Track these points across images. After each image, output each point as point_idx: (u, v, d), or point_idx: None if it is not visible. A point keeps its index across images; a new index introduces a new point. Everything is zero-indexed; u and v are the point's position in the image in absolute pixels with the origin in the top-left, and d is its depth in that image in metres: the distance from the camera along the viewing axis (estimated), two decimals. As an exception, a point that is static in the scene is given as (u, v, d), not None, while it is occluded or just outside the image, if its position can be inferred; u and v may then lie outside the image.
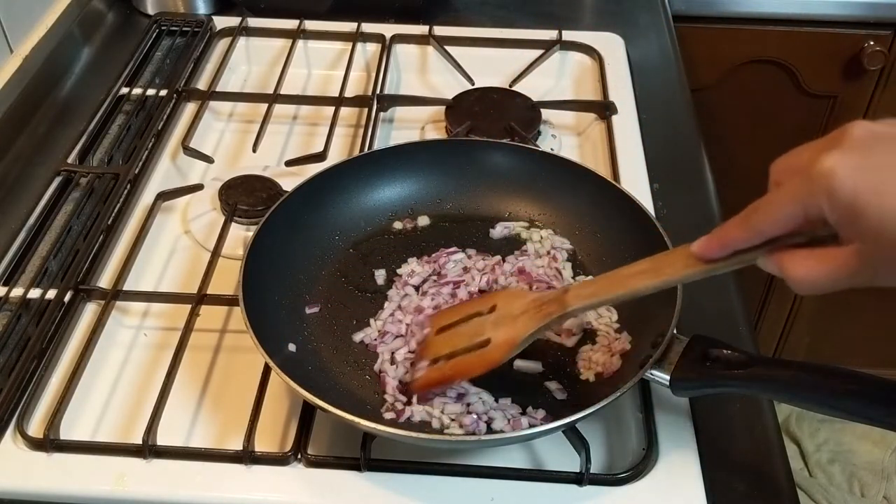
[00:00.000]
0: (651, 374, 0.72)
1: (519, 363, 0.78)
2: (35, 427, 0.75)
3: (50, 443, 0.73)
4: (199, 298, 0.86)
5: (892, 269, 0.51)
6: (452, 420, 0.74)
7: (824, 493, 1.73)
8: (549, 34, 1.23)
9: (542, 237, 0.91)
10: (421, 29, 1.25)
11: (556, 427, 0.69)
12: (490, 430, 0.73)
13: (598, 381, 0.78)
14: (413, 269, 0.88)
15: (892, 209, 0.48)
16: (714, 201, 1.02)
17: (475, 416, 0.74)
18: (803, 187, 0.52)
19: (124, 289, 0.87)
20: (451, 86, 1.18)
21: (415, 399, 0.75)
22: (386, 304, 0.84)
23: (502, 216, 0.93)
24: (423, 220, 0.93)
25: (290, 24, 1.25)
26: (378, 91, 1.13)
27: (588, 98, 1.17)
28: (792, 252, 0.55)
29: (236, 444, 0.73)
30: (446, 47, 1.21)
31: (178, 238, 0.98)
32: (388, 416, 0.75)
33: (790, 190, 0.53)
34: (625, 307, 0.82)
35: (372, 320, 0.83)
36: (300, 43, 1.24)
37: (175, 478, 0.72)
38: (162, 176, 1.02)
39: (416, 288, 0.86)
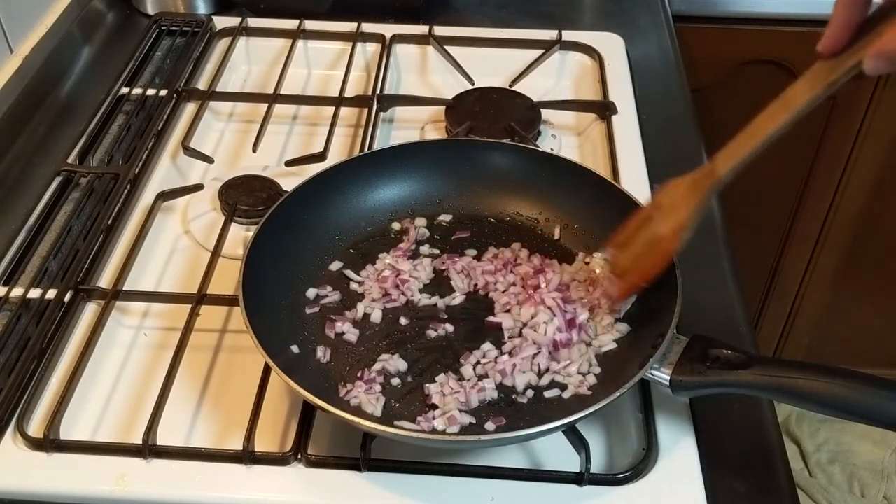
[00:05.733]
0: (651, 374, 0.72)
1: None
2: (35, 427, 0.75)
3: (50, 443, 0.73)
4: (199, 298, 0.86)
5: None
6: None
7: (824, 493, 1.73)
8: (549, 34, 1.23)
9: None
10: (421, 29, 1.25)
11: (556, 427, 0.69)
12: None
13: (598, 380, 0.78)
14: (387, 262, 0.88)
15: None
16: (714, 201, 1.02)
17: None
18: None
19: (124, 289, 0.87)
20: (451, 86, 1.18)
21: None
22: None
23: (503, 216, 0.93)
24: (422, 221, 0.93)
25: (290, 24, 1.25)
26: (378, 91, 1.13)
27: (588, 98, 1.16)
28: (885, 37, 0.58)
29: (236, 444, 0.73)
30: (446, 47, 1.21)
31: (178, 238, 0.98)
32: (388, 415, 0.75)
33: None
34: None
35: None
36: (300, 43, 1.23)
37: (175, 478, 0.72)
38: (162, 176, 1.02)
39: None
